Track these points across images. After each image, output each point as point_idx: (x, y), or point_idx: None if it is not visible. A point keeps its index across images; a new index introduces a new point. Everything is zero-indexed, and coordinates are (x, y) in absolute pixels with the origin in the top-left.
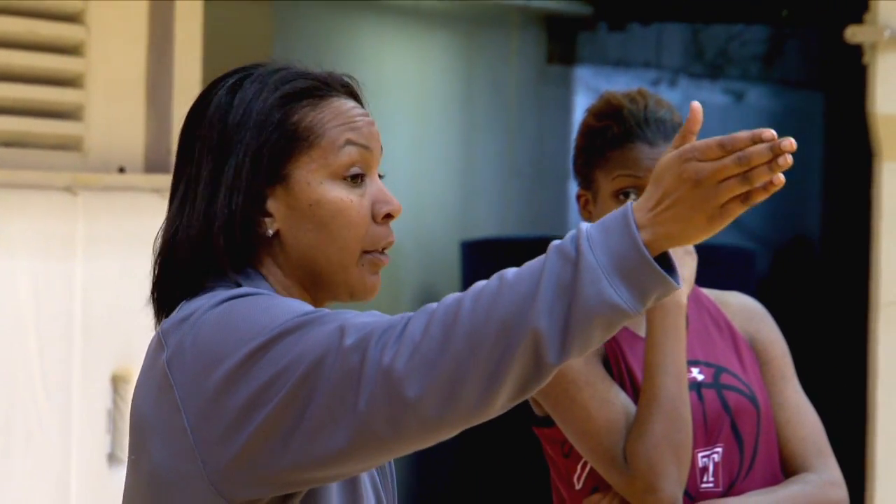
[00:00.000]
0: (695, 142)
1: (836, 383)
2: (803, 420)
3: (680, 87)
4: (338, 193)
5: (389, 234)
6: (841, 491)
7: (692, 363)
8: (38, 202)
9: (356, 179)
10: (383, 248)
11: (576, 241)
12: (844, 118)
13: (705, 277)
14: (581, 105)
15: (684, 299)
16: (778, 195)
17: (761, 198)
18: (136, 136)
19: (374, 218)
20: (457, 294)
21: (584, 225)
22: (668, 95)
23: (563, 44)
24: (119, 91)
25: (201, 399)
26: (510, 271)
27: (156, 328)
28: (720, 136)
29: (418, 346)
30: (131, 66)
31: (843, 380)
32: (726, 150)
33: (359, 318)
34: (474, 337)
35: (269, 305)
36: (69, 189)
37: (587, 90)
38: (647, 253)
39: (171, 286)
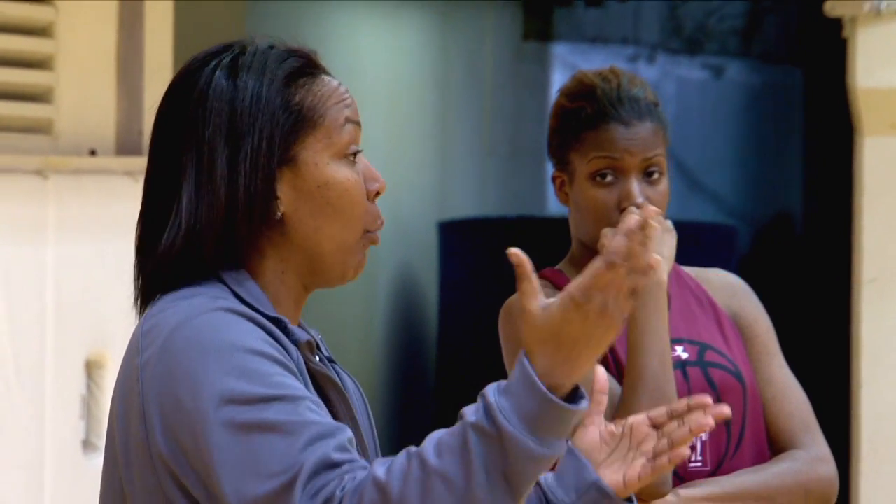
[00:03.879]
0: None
1: (819, 360)
2: (790, 396)
3: (658, 63)
4: (344, 173)
5: (380, 213)
6: (829, 466)
7: (676, 341)
8: (7, 186)
9: (353, 157)
10: (376, 228)
11: (490, 416)
12: (824, 93)
13: (686, 255)
14: (558, 83)
15: (665, 277)
16: (759, 171)
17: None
18: (107, 119)
19: (367, 196)
20: (377, 479)
21: (490, 392)
22: (645, 72)
23: (539, 21)
24: (89, 73)
25: (163, 416)
26: (428, 454)
27: (138, 317)
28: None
29: None
30: (101, 47)
31: (826, 357)
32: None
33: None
34: None
35: (231, 345)
36: (40, 172)
37: (564, 67)
38: (557, 400)
39: (170, 276)
